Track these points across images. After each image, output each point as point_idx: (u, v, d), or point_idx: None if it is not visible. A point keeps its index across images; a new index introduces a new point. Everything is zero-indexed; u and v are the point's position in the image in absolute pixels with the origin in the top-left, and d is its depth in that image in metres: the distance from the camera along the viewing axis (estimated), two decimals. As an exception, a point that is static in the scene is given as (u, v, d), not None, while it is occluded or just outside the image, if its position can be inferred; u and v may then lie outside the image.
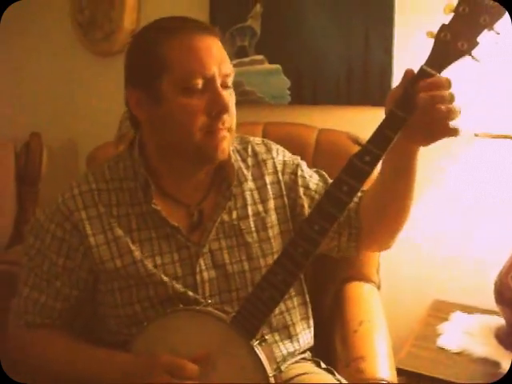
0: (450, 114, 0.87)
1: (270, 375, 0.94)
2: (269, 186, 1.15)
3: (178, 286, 1.05)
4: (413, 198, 1.07)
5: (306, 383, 1.05)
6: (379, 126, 0.90)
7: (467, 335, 1.52)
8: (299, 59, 1.80)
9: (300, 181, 1.17)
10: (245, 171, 1.15)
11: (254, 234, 1.12)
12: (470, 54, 0.87)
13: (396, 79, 1.70)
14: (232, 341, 0.95)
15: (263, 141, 1.22)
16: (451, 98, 0.87)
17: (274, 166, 1.17)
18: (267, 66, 1.84)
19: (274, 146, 1.21)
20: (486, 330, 1.55)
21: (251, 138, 1.21)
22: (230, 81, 1.04)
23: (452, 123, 0.88)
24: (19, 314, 1.11)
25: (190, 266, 1.07)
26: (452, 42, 0.87)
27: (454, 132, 0.89)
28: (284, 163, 1.19)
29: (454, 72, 1.45)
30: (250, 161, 1.17)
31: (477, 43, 0.87)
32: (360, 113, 1.73)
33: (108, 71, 2.18)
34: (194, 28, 1.02)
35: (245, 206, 1.13)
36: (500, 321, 1.56)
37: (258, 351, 0.94)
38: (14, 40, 2.33)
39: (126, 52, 1.08)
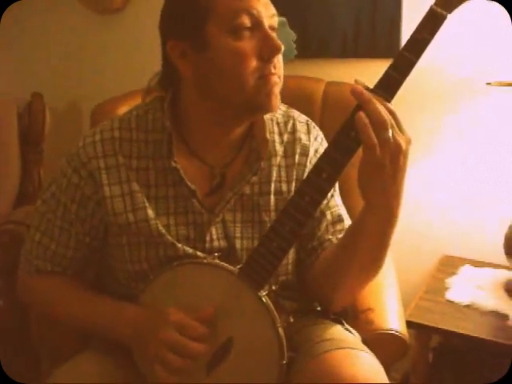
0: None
1: (279, 326, 0.93)
2: (295, 167, 1.11)
3: (188, 249, 1.04)
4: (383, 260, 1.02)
5: (315, 333, 1.04)
6: (387, 69, 0.86)
7: (476, 288, 1.52)
8: (305, 11, 1.76)
9: None
10: (277, 145, 1.10)
11: (272, 214, 1.08)
12: None
13: (405, 30, 1.65)
14: (240, 292, 0.95)
15: (307, 121, 1.16)
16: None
17: (307, 150, 1.12)
18: (272, 18, 1.79)
19: (315, 131, 1.16)
20: (495, 283, 1.55)
21: (296, 115, 1.15)
22: (275, 22, 0.99)
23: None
24: (30, 258, 1.11)
25: (201, 232, 1.05)
26: None
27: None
28: (315, 153, 1.13)
29: (466, 19, 1.40)
30: (286, 137, 1.11)
31: None
32: (368, 65, 1.69)
33: (108, 29, 2.14)
34: None
35: (268, 181, 1.08)
36: (510, 274, 1.55)
37: (266, 302, 0.93)
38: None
39: (164, 4, 1.02)
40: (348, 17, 1.71)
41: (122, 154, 1.04)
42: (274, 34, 0.96)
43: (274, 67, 0.96)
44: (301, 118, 1.15)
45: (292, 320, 1.05)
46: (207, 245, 1.05)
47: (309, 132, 1.14)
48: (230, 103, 0.99)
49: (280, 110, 1.13)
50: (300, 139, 1.12)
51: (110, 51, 2.15)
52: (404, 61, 0.86)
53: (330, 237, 1.11)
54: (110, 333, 1.03)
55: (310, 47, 1.78)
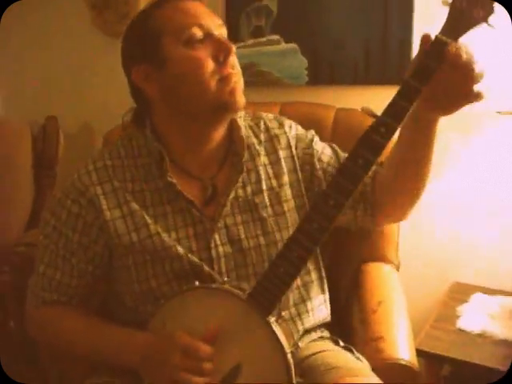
0: (477, 75, 0.85)
1: (288, 352, 0.93)
2: (282, 161, 1.15)
3: (194, 259, 1.05)
4: (430, 168, 1.05)
5: (324, 360, 1.04)
6: (394, 97, 0.88)
7: (488, 317, 1.50)
8: (316, 38, 1.78)
9: (315, 154, 1.17)
10: (257, 146, 1.14)
11: (269, 209, 1.11)
12: (486, 22, 0.85)
13: (415, 57, 1.66)
14: (249, 317, 0.94)
15: (275, 117, 1.22)
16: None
17: (288, 141, 1.17)
18: (284, 45, 1.81)
19: (287, 121, 1.21)
20: (506, 311, 1.52)
21: (264, 114, 1.21)
22: (224, 32, 1.06)
23: (475, 88, 0.86)
24: (36, 291, 1.12)
25: (205, 241, 1.07)
26: (467, 10, 0.85)
27: (478, 96, 0.87)
28: (297, 137, 1.18)
29: (474, 47, 1.41)
30: (262, 136, 1.16)
31: (493, 10, 0.84)
32: (379, 92, 1.69)
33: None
34: None
35: (259, 180, 1.12)
36: (522, 303, 1.54)
37: (274, 327, 0.93)
38: (29, 23, 2.33)
39: (123, 38, 1.10)
40: (358, 44, 1.73)
41: (117, 178, 1.08)
42: (225, 38, 1.04)
43: (232, 67, 1.03)
44: (269, 115, 1.22)
45: (301, 346, 1.04)
46: (213, 251, 1.07)
47: (281, 125, 1.19)
48: (198, 111, 1.04)
49: (248, 115, 1.19)
50: (276, 136, 1.17)
51: (123, 74, 2.17)
52: (410, 88, 0.87)
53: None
54: (119, 360, 1.03)
55: (320, 74, 1.80)
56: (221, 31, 1.05)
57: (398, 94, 0.88)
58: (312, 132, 1.22)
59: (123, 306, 1.11)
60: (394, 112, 0.88)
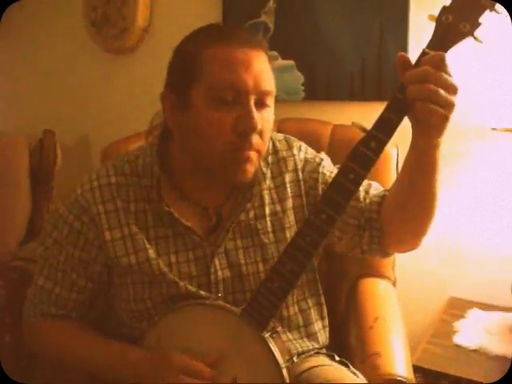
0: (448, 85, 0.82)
1: (283, 366, 0.93)
2: (288, 185, 1.12)
3: (191, 287, 1.04)
4: (436, 196, 1.00)
5: (319, 375, 1.04)
6: (383, 111, 0.88)
7: (484, 332, 1.50)
8: (313, 55, 1.79)
9: (320, 178, 1.13)
10: (264, 169, 1.12)
11: (271, 235, 1.10)
12: (473, 35, 0.84)
13: (411, 74, 1.67)
14: (243, 333, 0.95)
15: (285, 137, 1.18)
16: (442, 82, 0.82)
17: (295, 164, 1.14)
18: (281, 61, 1.83)
19: (296, 143, 1.17)
20: (503, 327, 1.52)
21: (273, 134, 1.16)
22: (269, 100, 0.98)
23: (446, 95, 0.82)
24: (34, 303, 1.12)
25: (204, 266, 1.06)
26: (454, 24, 0.85)
27: (449, 105, 0.83)
28: (305, 161, 1.15)
29: (470, 65, 1.43)
30: (270, 158, 1.13)
31: (479, 24, 0.84)
32: (374, 108, 1.67)
33: (120, 68, 2.18)
34: (236, 39, 0.97)
35: (262, 205, 1.10)
36: (518, 318, 1.53)
37: (269, 342, 0.93)
38: (27, 38, 2.35)
39: (173, 54, 1.04)
40: (355, 60, 1.75)
41: (120, 198, 1.06)
42: (254, 113, 0.95)
43: (250, 144, 0.96)
44: (278, 136, 1.17)
45: (296, 361, 1.04)
46: (212, 276, 1.06)
47: (290, 147, 1.15)
48: (204, 164, 1.01)
49: None
50: (284, 158, 1.13)
51: (121, 89, 2.19)
52: (397, 102, 0.86)
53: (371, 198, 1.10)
54: (114, 375, 1.03)
55: (317, 90, 1.81)
56: (265, 98, 0.97)
57: (386, 108, 0.87)
58: (322, 155, 1.18)
59: (120, 322, 1.11)
60: (383, 126, 0.87)
